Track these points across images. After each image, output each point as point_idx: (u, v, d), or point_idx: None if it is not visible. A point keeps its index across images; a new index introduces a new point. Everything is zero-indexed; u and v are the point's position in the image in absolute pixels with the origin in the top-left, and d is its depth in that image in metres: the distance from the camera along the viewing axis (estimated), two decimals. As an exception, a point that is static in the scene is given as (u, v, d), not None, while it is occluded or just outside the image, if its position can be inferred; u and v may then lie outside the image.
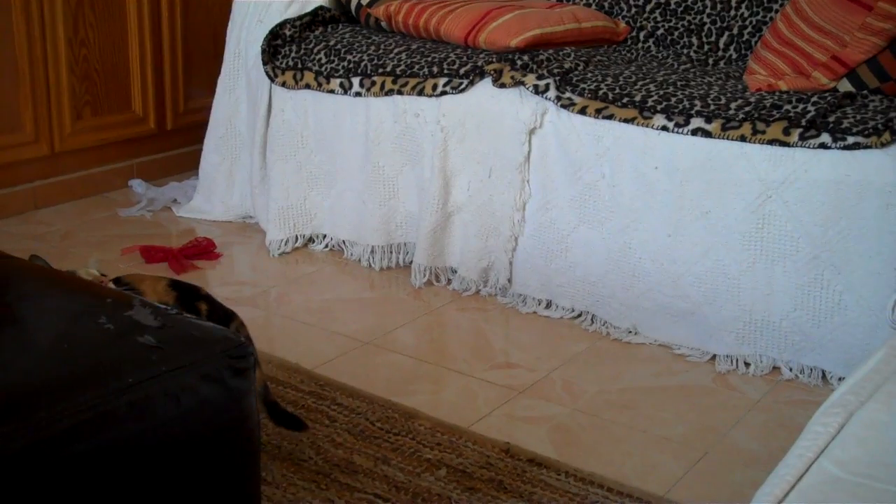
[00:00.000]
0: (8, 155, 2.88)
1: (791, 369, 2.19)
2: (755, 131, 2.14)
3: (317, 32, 2.82)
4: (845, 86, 2.27)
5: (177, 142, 3.36)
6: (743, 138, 2.15)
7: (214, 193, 3.02)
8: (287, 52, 2.77)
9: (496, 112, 2.45)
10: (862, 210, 2.06)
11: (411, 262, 2.63)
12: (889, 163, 2.05)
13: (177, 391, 1.07)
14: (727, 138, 2.16)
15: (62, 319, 1.14)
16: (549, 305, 2.46)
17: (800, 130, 2.11)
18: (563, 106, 2.35)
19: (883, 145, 2.05)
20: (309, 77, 2.71)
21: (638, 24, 2.85)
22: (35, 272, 1.30)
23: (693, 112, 2.21)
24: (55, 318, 1.14)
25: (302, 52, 2.75)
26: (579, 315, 2.42)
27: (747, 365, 2.21)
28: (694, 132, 2.19)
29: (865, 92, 2.25)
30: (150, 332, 1.11)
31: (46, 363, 1.05)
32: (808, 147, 2.09)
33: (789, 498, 0.94)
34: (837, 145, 2.07)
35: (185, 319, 1.19)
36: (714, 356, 2.24)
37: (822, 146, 2.09)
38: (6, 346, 1.08)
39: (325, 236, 2.82)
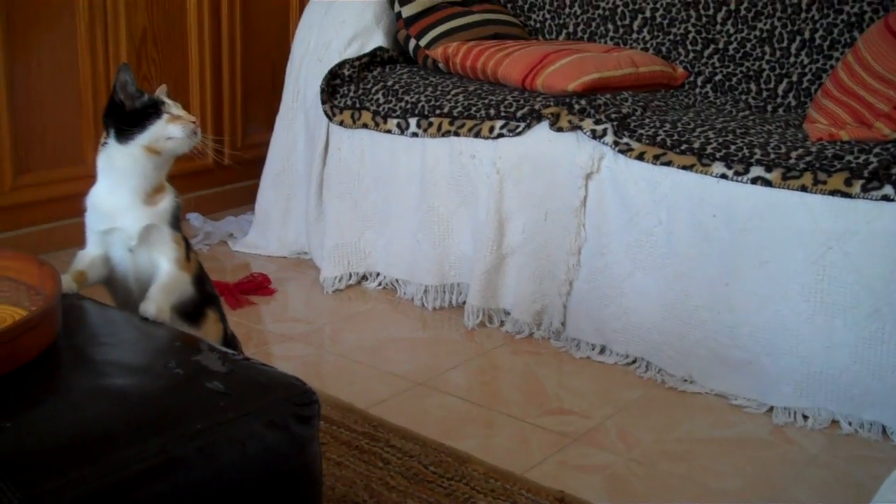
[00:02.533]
0: (70, 187, 2.93)
1: (850, 423, 2.15)
2: (816, 181, 2.12)
3: (375, 73, 2.85)
4: (909, 137, 2.24)
5: (234, 176, 3.41)
6: (804, 188, 2.13)
7: (270, 229, 3.05)
8: (345, 91, 2.80)
9: (553, 156, 2.46)
10: (925, 263, 2.03)
11: (464, 303, 2.63)
12: (954, 216, 2.02)
13: (243, 438, 1.08)
14: (788, 188, 2.14)
15: (132, 362, 1.16)
16: (603, 351, 2.44)
17: (862, 182, 2.08)
18: (620, 151, 2.35)
19: (948, 199, 2.02)
20: (366, 117, 2.74)
21: (696, 70, 2.84)
22: (104, 313, 1.32)
23: (753, 160, 2.20)
24: (125, 361, 1.16)
25: (360, 91, 2.78)
26: (634, 361, 2.40)
27: (805, 418, 2.18)
28: (754, 181, 2.18)
29: (929, 143, 2.23)
30: (218, 377, 1.12)
31: (117, 407, 1.06)
32: (871, 199, 2.07)
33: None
34: (901, 197, 2.05)
35: (250, 364, 1.20)
36: (771, 408, 2.21)
37: (885, 198, 2.06)
38: (78, 390, 1.10)
39: (378, 274, 2.83)
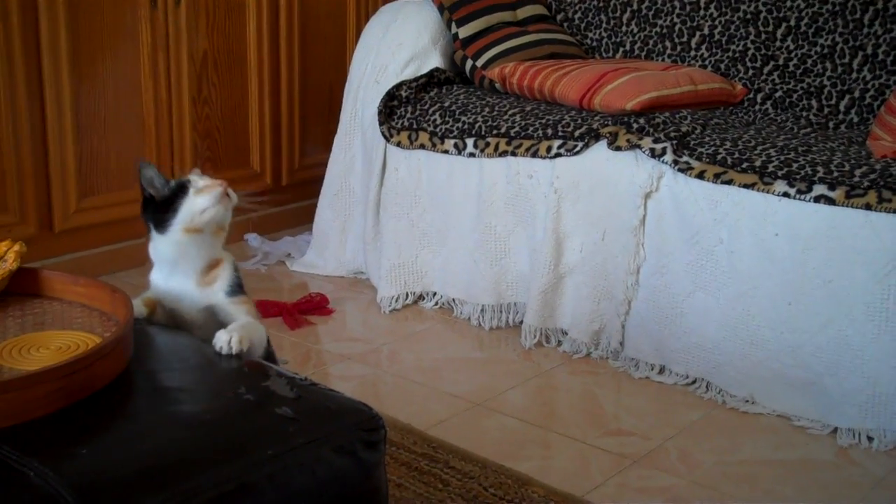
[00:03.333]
0: (132, 210, 2.96)
1: (917, 446, 2.11)
2: (881, 200, 2.09)
3: (432, 94, 2.87)
4: (976, 153, 2.21)
5: (292, 196, 3.45)
6: (868, 207, 2.10)
7: (327, 249, 3.08)
8: (403, 112, 2.82)
9: (611, 175, 2.45)
10: None
11: (521, 323, 2.63)
12: None
13: (312, 463, 1.09)
14: (852, 206, 2.11)
15: (203, 388, 1.17)
16: (662, 371, 2.42)
17: (928, 200, 2.05)
18: (680, 170, 2.33)
19: None
20: (424, 137, 2.76)
21: (755, 87, 2.82)
22: (174, 339, 1.34)
23: (816, 179, 2.17)
24: (196, 387, 1.18)
25: (417, 112, 2.80)
26: (694, 382, 2.37)
27: (870, 439, 2.14)
28: (817, 199, 2.15)
29: None
30: (287, 403, 1.14)
31: (191, 434, 1.07)
32: (938, 217, 2.04)
33: None
34: (969, 215, 2.01)
35: (318, 390, 1.21)
36: (835, 429, 2.17)
37: (953, 216, 2.02)
38: (150, 416, 1.12)
39: (435, 294, 2.84)
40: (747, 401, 2.28)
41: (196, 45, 3.07)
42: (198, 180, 1.48)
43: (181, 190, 1.46)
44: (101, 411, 1.11)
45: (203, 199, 1.45)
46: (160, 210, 1.47)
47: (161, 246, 1.49)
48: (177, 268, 1.49)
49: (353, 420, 1.15)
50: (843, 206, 2.12)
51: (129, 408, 1.13)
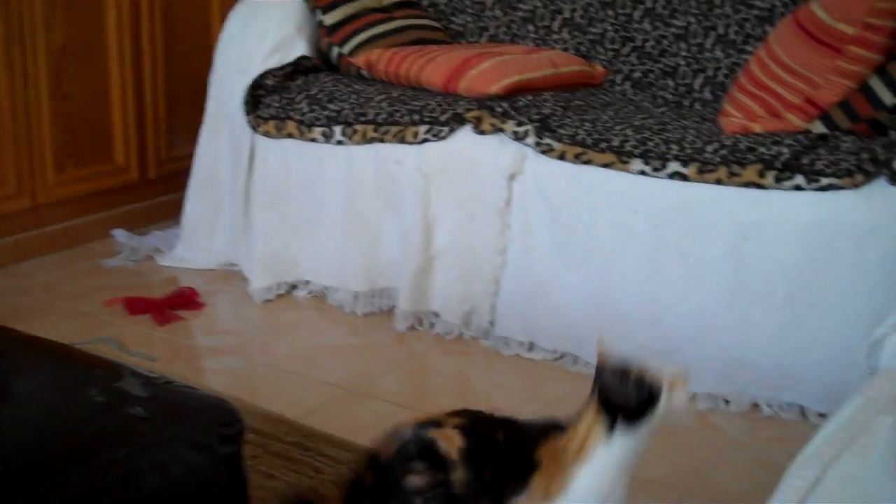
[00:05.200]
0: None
1: (770, 406, 2.22)
2: (731, 174, 2.18)
3: (298, 82, 2.85)
4: (818, 127, 2.32)
5: (160, 190, 3.38)
6: (719, 181, 2.19)
7: (197, 242, 3.03)
8: (269, 101, 2.80)
9: (477, 158, 2.49)
10: (837, 250, 2.11)
11: (394, 307, 2.65)
12: (862, 203, 2.10)
13: (167, 462, 1.09)
14: (704, 181, 2.20)
15: (52, 392, 1.16)
16: (531, 348, 2.48)
17: (774, 173, 2.15)
18: (542, 152, 2.39)
19: (856, 186, 2.10)
20: (291, 126, 2.74)
21: (615, 68, 2.89)
22: (24, 342, 1.32)
23: (670, 156, 2.25)
24: (45, 391, 1.16)
25: (284, 101, 2.78)
26: (562, 356, 2.44)
27: (727, 402, 2.24)
28: (671, 176, 2.23)
29: (838, 133, 2.30)
30: (140, 403, 1.13)
31: (38, 438, 1.06)
32: (783, 189, 2.14)
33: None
34: (811, 187, 2.12)
35: (174, 387, 1.21)
36: (694, 395, 2.27)
37: (797, 188, 2.13)
38: (-3, 422, 1.10)
39: (308, 282, 2.83)
40: (613, 373, 2.36)
41: (53, 37, 2.97)
42: (660, 374, 1.32)
43: (648, 390, 1.32)
44: (-54, 420, 1.09)
45: (680, 397, 1.32)
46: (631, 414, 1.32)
47: (622, 451, 1.35)
48: (622, 478, 1.37)
49: (208, 416, 1.15)
50: (695, 181, 2.21)
51: (-26, 415, 1.11)
